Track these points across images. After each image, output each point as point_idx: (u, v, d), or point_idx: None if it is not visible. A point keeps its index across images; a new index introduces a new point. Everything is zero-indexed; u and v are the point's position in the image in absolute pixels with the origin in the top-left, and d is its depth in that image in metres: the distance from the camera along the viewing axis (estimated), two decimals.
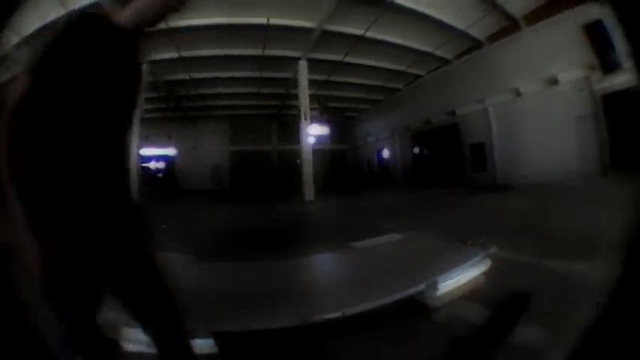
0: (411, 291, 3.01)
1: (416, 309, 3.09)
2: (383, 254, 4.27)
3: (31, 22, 14.09)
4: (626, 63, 12.06)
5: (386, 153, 29.17)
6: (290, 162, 29.41)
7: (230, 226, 10.41)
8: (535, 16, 15.12)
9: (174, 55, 17.53)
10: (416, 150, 24.87)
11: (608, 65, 13.06)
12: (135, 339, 2.53)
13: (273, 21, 14.93)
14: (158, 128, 27.76)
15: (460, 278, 3.44)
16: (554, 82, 14.47)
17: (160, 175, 31.05)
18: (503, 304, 2.34)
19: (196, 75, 20.39)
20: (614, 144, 12.91)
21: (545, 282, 3.77)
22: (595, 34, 13.18)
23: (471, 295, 2.81)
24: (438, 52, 18.53)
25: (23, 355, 1.61)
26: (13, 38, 14.83)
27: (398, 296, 2.92)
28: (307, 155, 18.14)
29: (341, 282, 3.71)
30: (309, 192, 17.75)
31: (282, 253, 5.58)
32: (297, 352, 2.77)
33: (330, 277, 3.96)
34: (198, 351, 2.66)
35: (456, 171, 19.60)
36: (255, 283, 3.51)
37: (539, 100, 15.04)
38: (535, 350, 2.42)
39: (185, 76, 20.36)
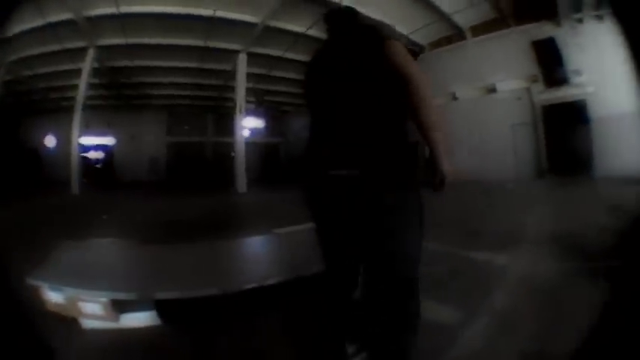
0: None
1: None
2: (300, 239, 4.66)
3: None
4: (574, 79, 13.45)
5: None
6: (225, 154, 29.44)
7: (166, 215, 10.71)
8: (482, 29, 15.81)
9: (121, 41, 17.45)
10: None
11: (554, 80, 14.11)
12: None
13: (220, 13, 15.13)
14: (99, 116, 27.03)
15: None
16: (492, 90, 15.25)
17: (98, 165, 30.22)
18: None
19: (139, 63, 20.28)
20: (552, 150, 13.88)
21: (457, 268, 4.33)
22: (543, 50, 14.20)
23: None
24: None
25: (23, 355, 1.69)
26: None
27: (307, 273, 3.23)
28: (240, 147, 18.43)
29: (262, 259, 4.27)
30: (241, 184, 18.01)
31: (211, 237, 6.02)
32: (223, 317, 3.21)
33: (252, 256, 4.44)
34: (141, 321, 3.11)
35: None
36: (187, 261, 3.85)
37: (476, 105, 15.79)
38: None
39: (129, 63, 20.20)
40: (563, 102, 13.81)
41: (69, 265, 3.66)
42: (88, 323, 3.09)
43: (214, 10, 14.95)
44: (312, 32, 16.50)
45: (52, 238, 6.14)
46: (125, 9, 14.66)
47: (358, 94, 1.88)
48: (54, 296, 3.10)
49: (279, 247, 4.58)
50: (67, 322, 3.07)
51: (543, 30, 14.24)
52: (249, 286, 3.13)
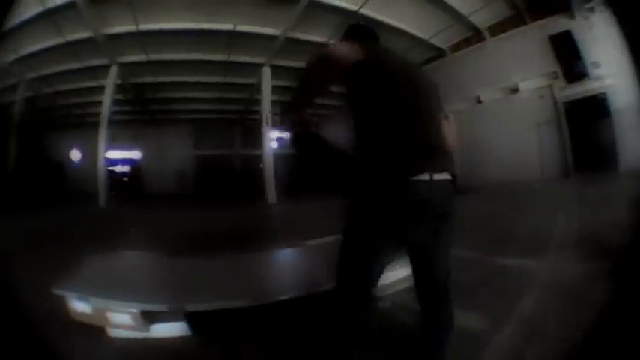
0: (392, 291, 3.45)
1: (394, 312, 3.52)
2: (332, 251, 4.63)
3: (6, 18, 14.06)
4: (592, 72, 12.86)
5: None
6: (253, 166, 29.54)
7: (196, 228, 10.60)
8: (500, 28, 15.62)
9: (142, 58, 17.63)
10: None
11: (573, 74, 13.73)
12: None
13: (240, 28, 15.20)
14: (124, 131, 27.33)
15: (406, 270, 3.87)
16: (514, 90, 14.97)
17: (125, 179, 30.61)
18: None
19: (163, 78, 20.45)
20: (577, 148, 13.54)
21: (489, 275, 4.27)
22: (561, 44, 13.83)
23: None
24: None
25: (23, 355, 1.74)
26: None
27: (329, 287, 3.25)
28: (269, 159, 18.43)
29: (293, 271, 4.29)
30: (271, 195, 18.04)
31: (244, 249, 6.03)
32: (253, 329, 3.23)
33: (283, 268, 4.49)
34: (170, 331, 3.17)
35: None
36: (218, 273, 3.90)
37: (500, 107, 15.54)
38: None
39: (152, 79, 20.40)
40: (584, 97, 13.52)
41: (97, 276, 3.74)
42: (114, 332, 3.16)
43: (234, 25, 15.03)
44: (334, 42, 16.35)
45: (79, 249, 6.24)
46: (144, 27, 14.86)
47: (435, 102, 2.12)
48: (80, 306, 3.20)
49: (310, 259, 4.57)
50: (92, 331, 3.15)
51: (558, 24, 13.89)
52: (281, 298, 3.17)
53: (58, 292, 3.26)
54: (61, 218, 13.33)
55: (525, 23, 14.79)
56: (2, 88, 20.61)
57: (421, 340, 2.25)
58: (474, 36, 16.69)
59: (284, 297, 3.18)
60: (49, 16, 13.95)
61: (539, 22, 14.30)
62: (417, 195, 1.87)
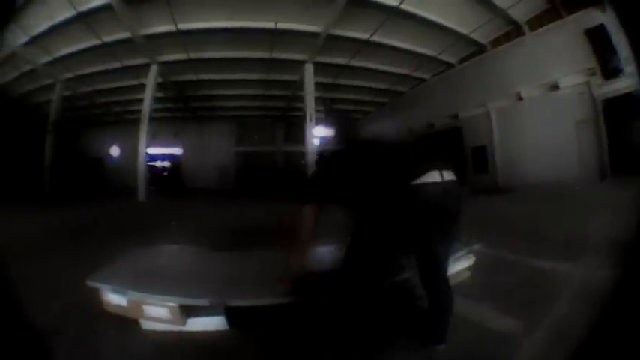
0: (400, 278, 3.25)
1: (404, 295, 3.41)
2: None
3: (40, 22, 14.55)
4: (628, 68, 12.15)
5: None
6: (295, 163, 29.64)
7: (237, 223, 10.55)
8: (538, 22, 15.29)
9: (183, 56, 17.87)
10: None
11: (609, 70, 13.09)
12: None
13: (281, 25, 15.19)
14: (165, 128, 27.83)
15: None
16: (554, 86, 14.55)
17: (165, 174, 31.29)
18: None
19: (204, 76, 20.67)
20: (614, 148, 12.98)
21: (524, 277, 4.11)
22: (596, 39, 13.23)
23: (455, 287, 3.05)
24: (442, 57, 18.67)
25: (23, 355, 1.72)
26: (22, 37, 15.21)
27: (388, 283, 3.17)
28: (312, 156, 18.17)
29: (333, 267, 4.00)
30: None
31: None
32: (293, 324, 3.11)
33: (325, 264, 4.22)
34: (208, 325, 3.12)
35: (458, 173, 19.57)
36: (258, 268, 3.76)
37: (540, 104, 15.13)
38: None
39: (193, 77, 20.66)
40: (621, 94, 12.68)
41: (134, 269, 3.69)
42: (148, 325, 3.13)
43: (275, 23, 15.02)
44: (375, 39, 16.45)
45: (116, 242, 6.23)
46: (183, 26, 15.04)
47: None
48: (115, 298, 3.16)
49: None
50: (126, 323, 3.12)
51: (593, 17, 13.26)
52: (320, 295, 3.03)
53: (92, 284, 3.23)
54: (100, 212, 13.48)
55: (561, 17, 14.42)
56: (37, 88, 21.49)
57: (427, 319, 2.70)
58: (513, 30, 16.46)
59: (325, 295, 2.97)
60: (83, 18, 14.26)
61: (574, 15, 13.85)
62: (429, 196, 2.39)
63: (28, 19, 14.34)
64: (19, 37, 15.69)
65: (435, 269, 2.64)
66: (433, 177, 2.43)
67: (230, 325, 3.11)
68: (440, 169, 2.49)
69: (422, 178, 2.39)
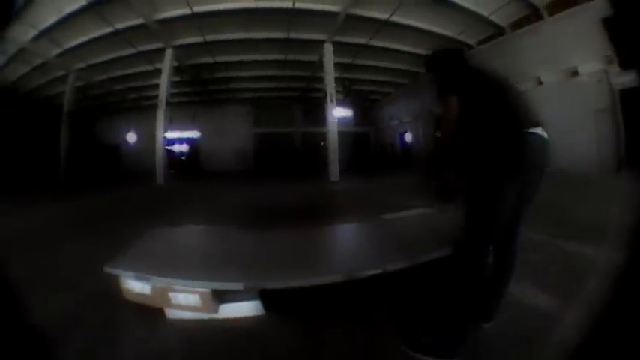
0: (438, 254, 3.11)
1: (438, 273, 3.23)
2: (412, 224, 4.28)
3: (48, 15, 14.53)
4: None
5: (408, 137, 28.89)
6: (313, 144, 29.58)
7: (264, 203, 10.48)
8: (556, 6, 14.92)
9: (199, 39, 17.81)
10: (438, 134, 24.13)
11: (626, 60, 12.54)
12: None
13: (299, 5, 14.96)
14: (183, 111, 28.18)
15: None
16: (574, 73, 14.21)
17: (183, 157, 31.40)
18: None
19: (221, 59, 20.63)
20: (630, 140, 12.61)
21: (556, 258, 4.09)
22: (612, 27, 12.75)
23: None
24: (460, 38, 18.34)
25: (23, 355, 1.64)
26: (31, 31, 15.22)
27: (425, 258, 3.09)
28: (333, 137, 18.20)
29: (375, 245, 3.74)
30: (334, 173, 17.83)
31: (317, 223, 5.79)
32: (337, 304, 3.02)
33: (364, 241, 4.03)
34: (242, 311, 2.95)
35: None
36: (291, 249, 3.60)
37: (560, 90, 14.72)
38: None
39: (210, 59, 20.62)
40: (638, 84, 12.26)
41: (156, 253, 3.50)
42: (174, 314, 2.97)
43: (293, 2, 14.81)
44: (394, 19, 16.23)
45: (135, 226, 6.05)
46: (198, 8, 14.90)
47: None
48: (138, 286, 2.96)
49: (390, 233, 4.09)
50: (149, 313, 2.94)
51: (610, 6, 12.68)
52: (363, 274, 2.88)
53: (110, 270, 3.02)
54: (118, 195, 13.46)
55: (577, 3, 13.99)
56: (50, 81, 21.87)
57: (489, 276, 2.60)
58: (532, 14, 16.05)
59: (366, 272, 2.88)
60: (94, 8, 14.24)
61: (593, 2, 13.33)
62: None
63: (36, 13, 14.41)
64: (27, 32, 15.78)
65: (516, 227, 2.56)
66: (540, 130, 2.43)
67: (266, 309, 2.96)
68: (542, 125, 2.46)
69: (534, 129, 2.37)
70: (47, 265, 4.50)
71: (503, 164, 2.21)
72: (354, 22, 16.24)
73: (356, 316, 2.86)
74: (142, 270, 2.92)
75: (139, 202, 11.82)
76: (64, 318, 2.94)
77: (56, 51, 18.13)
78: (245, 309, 2.93)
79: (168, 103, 18.81)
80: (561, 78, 14.71)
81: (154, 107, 19.52)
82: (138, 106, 29.04)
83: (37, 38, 16.38)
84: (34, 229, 7.03)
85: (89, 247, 5.17)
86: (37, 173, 21.81)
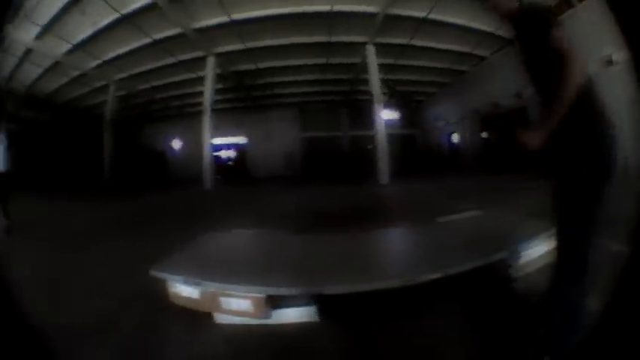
0: (493, 258, 3.10)
1: (496, 277, 3.27)
2: (466, 227, 4.23)
3: (82, 30, 15.12)
4: None
5: (455, 137, 28.11)
6: (361, 147, 29.53)
7: (315, 207, 10.42)
8: None
9: (239, 46, 18.04)
10: (485, 134, 23.88)
11: None
12: None
13: (337, 7, 14.98)
14: (228, 118, 28.50)
15: (538, 250, 3.53)
16: (609, 62, 13.91)
17: (230, 163, 31.99)
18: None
19: (263, 64, 20.81)
20: None
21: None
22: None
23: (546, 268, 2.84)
24: (499, 33, 17.93)
25: (23, 355, 1.68)
26: (65, 45, 15.69)
27: (479, 263, 3.02)
28: (382, 139, 18.06)
29: (428, 250, 3.65)
30: (384, 176, 17.71)
31: (371, 227, 5.73)
32: (394, 311, 2.96)
33: (420, 245, 3.96)
34: (294, 317, 2.92)
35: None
36: (346, 253, 3.57)
37: (597, 79, 14.27)
38: None
39: (252, 66, 20.84)
40: None
41: (206, 258, 3.57)
42: (223, 319, 2.97)
43: (331, 6, 14.85)
44: (433, 16, 16.10)
45: (183, 231, 6.14)
46: (237, 16, 15.10)
47: None
48: (186, 290, 3.03)
49: (447, 237, 4.06)
50: (197, 318, 2.99)
51: None
52: (424, 278, 2.83)
53: (157, 274, 3.11)
54: (167, 200, 13.79)
55: None
56: (89, 92, 22.55)
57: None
58: (563, 3, 15.73)
59: (431, 276, 2.83)
60: (128, 20, 14.59)
61: None
62: None
63: (67, 27, 14.81)
64: (59, 45, 16.25)
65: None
66: None
67: (321, 316, 2.93)
68: None
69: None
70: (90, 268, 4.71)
71: (606, 164, 2.20)
72: (392, 22, 16.13)
73: (415, 324, 2.77)
74: (192, 274, 2.97)
75: (188, 206, 11.98)
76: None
77: (94, 63, 18.64)
78: (298, 315, 2.91)
79: (212, 110, 19.15)
80: (597, 67, 14.30)
81: (198, 114, 19.97)
82: (181, 113, 29.59)
83: (71, 52, 16.86)
84: (96, 230, 7.33)
85: (139, 250, 5.30)
86: (82, 180, 22.67)
